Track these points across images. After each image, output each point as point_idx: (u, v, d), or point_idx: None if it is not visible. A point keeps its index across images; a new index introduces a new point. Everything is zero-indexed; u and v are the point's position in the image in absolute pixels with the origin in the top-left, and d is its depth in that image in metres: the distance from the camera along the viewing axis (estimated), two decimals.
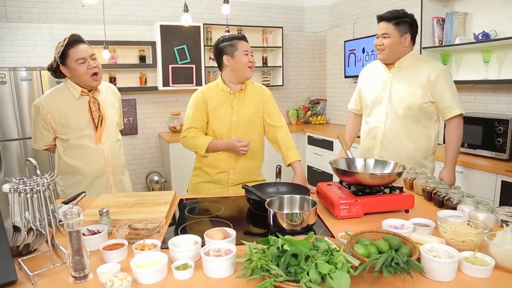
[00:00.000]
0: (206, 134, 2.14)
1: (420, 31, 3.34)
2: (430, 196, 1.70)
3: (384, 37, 2.10)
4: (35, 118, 2.04)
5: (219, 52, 2.07)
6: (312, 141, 4.86)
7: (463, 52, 3.27)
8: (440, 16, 3.29)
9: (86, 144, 2.05)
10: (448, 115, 2.10)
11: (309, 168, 5.00)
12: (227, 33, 2.15)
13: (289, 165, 2.11)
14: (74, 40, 1.95)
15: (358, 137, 2.45)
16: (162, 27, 4.51)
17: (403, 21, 2.09)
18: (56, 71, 2.03)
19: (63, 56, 1.93)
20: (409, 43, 2.13)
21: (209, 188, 2.15)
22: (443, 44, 3.26)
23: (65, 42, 1.93)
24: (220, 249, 1.14)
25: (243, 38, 2.08)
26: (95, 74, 1.99)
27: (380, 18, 2.13)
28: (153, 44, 4.62)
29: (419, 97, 2.09)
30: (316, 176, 4.82)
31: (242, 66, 2.02)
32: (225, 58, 2.05)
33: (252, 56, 2.06)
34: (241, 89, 2.12)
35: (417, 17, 3.44)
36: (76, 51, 1.93)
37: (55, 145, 2.12)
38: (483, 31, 3.00)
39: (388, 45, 2.10)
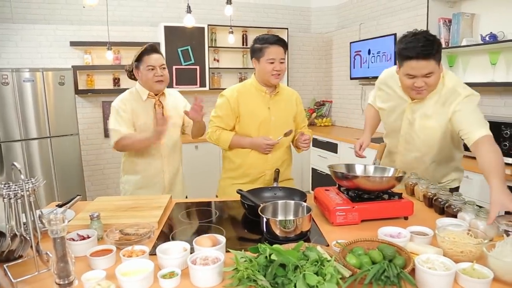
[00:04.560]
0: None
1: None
2: (431, 202, 1.65)
3: (428, 77, 1.65)
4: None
5: (250, 53, 2.10)
6: (316, 143, 4.80)
7: (470, 53, 3.19)
8: (447, 17, 3.22)
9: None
10: (472, 139, 1.61)
11: (314, 171, 4.95)
12: (263, 35, 2.07)
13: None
14: (150, 49, 2.15)
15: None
16: (166, 28, 4.51)
17: (439, 48, 1.64)
18: (130, 72, 2.24)
19: (138, 61, 2.15)
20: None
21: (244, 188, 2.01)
22: (450, 45, 3.19)
23: (142, 49, 2.13)
24: (208, 257, 1.11)
25: (275, 42, 2.00)
26: (160, 81, 2.16)
27: (418, 55, 1.60)
28: (157, 45, 4.60)
29: (440, 133, 1.78)
30: (320, 178, 4.76)
31: (265, 73, 2.02)
32: (253, 61, 2.08)
33: (282, 63, 2.02)
34: (277, 91, 2.13)
35: (423, 18, 3.41)
36: (149, 59, 2.13)
37: None
38: (491, 33, 2.92)
39: (432, 84, 1.69)
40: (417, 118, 1.82)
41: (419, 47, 1.58)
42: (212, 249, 1.16)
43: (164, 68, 2.18)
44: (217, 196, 2.21)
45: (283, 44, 2.02)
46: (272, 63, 1.99)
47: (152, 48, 2.17)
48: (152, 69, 2.13)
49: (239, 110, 2.08)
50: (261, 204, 1.43)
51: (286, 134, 2.06)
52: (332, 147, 4.47)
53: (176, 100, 2.33)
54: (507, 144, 2.56)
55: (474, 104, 1.70)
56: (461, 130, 1.66)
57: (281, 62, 2.02)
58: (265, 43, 2.00)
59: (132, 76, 2.26)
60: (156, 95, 2.22)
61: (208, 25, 4.76)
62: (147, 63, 2.13)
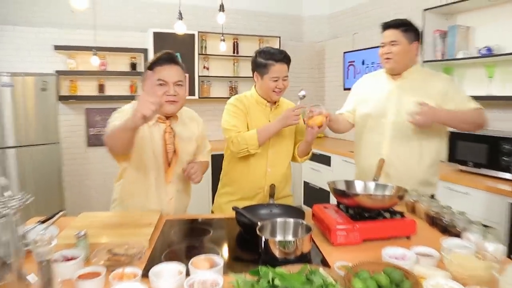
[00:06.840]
0: None
1: (421, 44, 3.28)
2: (433, 221, 1.60)
3: (392, 45, 1.97)
4: None
5: (252, 65, 2.07)
6: None
7: (466, 66, 3.20)
8: (443, 29, 3.23)
9: (152, 181, 1.79)
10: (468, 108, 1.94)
11: (306, 184, 4.85)
12: (267, 48, 2.06)
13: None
14: (165, 59, 1.73)
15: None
16: (155, 34, 4.42)
17: (411, 29, 2.00)
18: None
19: (149, 70, 1.75)
20: (417, 53, 2.04)
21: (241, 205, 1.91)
22: (445, 58, 3.19)
23: (155, 58, 1.74)
24: (206, 280, 1.05)
25: (281, 60, 1.97)
26: (172, 102, 1.73)
27: (386, 26, 2.02)
28: (145, 51, 4.53)
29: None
30: (312, 193, 4.69)
31: (267, 89, 2.01)
32: (255, 75, 2.05)
33: (284, 80, 2.01)
34: (277, 105, 2.11)
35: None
36: (161, 70, 1.70)
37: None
38: (487, 46, 2.92)
39: (397, 53, 1.97)
40: (404, 96, 1.99)
41: (392, 21, 2.02)
42: (209, 271, 1.09)
43: (180, 85, 1.74)
44: (212, 212, 2.13)
45: (288, 61, 2.01)
46: (276, 81, 1.98)
47: (169, 58, 1.73)
48: (162, 85, 1.70)
49: (246, 118, 2.05)
50: (259, 223, 1.36)
51: (301, 98, 2.04)
52: (325, 160, 4.40)
53: (190, 124, 1.92)
54: (506, 159, 2.53)
55: (457, 85, 2.13)
56: (455, 104, 1.93)
57: (284, 80, 2.01)
58: (270, 59, 1.97)
59: None
60: (167, 118, 1.80)
61: (199, 32, 4.70)
62: (158, 76, 1.70)
